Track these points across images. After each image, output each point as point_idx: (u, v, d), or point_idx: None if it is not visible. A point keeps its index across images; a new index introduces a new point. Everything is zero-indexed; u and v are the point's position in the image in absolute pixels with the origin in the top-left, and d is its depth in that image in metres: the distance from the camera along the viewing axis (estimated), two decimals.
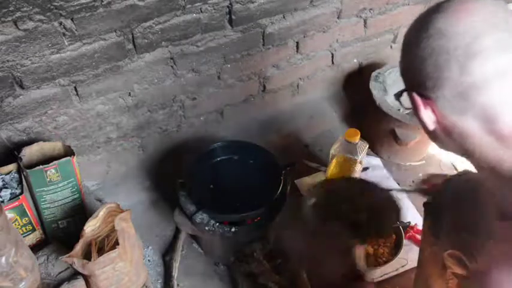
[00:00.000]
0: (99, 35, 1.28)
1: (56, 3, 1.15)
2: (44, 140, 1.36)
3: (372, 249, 1.39)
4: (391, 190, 1.37)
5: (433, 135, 0.80)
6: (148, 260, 1.44)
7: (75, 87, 1.35)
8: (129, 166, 1.64)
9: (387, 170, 1.70)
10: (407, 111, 1.76)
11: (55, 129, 1.41)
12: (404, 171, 1.71)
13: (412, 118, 1.57)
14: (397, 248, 1.40)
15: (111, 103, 1.46)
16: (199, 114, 1.68)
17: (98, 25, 1.25)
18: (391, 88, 1.69)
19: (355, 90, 1.90)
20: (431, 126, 0.77)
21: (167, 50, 1.43)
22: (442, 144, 0.81)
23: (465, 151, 0.75)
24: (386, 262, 1.36)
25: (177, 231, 1.49)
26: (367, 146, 1.43)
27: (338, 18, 1.71)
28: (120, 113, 1.50)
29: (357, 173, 1.45)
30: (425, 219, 1.07)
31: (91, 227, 1.20)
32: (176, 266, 1.41)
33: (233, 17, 1.46)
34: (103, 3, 1.21)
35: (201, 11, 1.40)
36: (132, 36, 1.33)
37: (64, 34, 1.22)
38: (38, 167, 1.27)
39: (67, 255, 1.13)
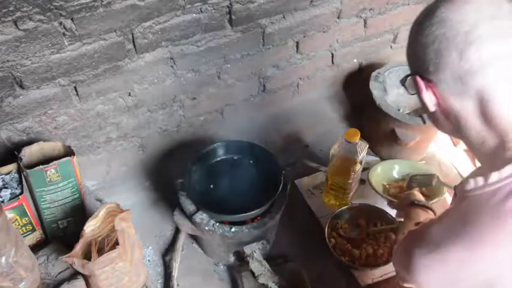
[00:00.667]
0: (99, 35, 1.28)
1: (56, 3, 1.15)
2: (44, 140, 1.36)
3: (372, 249, 1.39)
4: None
5: (433, 118, 0.85)
6: (148, 260, 1.44)
7: (75, 87, 1.35)
8: (129, 166, 1.64)
9: None
10: (408, 111, 1.77)
11: (55, 129, 1.41)
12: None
13: (412, 118, 1.58)
14: None
15: (111, 103, 1.46)
16: (199, 114, 1.68)
17: (98, 25, 1.25)
18: (391, 88, 1.69)
19: (355, 90, 1.90)
20: (432, 108, 0.82)
21: (167, 50, 1.43)
22: (441, 127, 0.86)
23: (459, 133, 0.82)
24: (386, 262, 1.36)
25: (177, 231, 1.49)
26: (367, 146, 1.43)
27: (338, 18, 1.71)
28: (120, 113, 1.50)
29: (357, 173, 1.45)
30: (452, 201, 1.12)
31: (91, 227, 1.20)
32: (176, 266, 1.41)
33: (233, 17, 1.46)
34: (103, 3, 1.21)
35: (201, 11, 1.40)
36: (132, 36, 1.33)
37: (64, 34, 1.22)
38: (38, 167, 1.27)
39: (67, 255, 1.13)
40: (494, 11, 0.73)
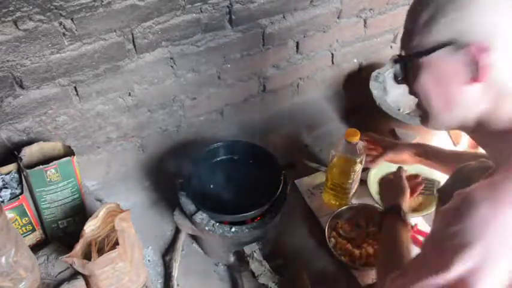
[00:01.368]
0: (99, 35, 1.28)
1: (56, 3, 1.15)
2: (44, 140, 1.36)
3: (372, 249, 1.39)
4: None
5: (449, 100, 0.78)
6: (148, 260, 1.44)
7: (75, 87, 1.35)
8: (129, 166, 1.64)
9: None
10: (408, 111, 1.77)
11: (55, 129, 1.41)
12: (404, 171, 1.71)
13: (412, 118, 1.58)
14: None
15: (111, 103, 1.46)
16: (199, 114, 1.68)
17: (98, 25, 1.25)
18: (391, 88, 1.69)
19: (355, 90, 1.90)
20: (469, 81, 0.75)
21: (167, 50, 1.43)
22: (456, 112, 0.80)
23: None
24: None
25: (177, 231, 1.49)
26: (367, 145, 1.43)
27: (338, 18, 1.71)
28: (120, 113, 1.50)
29: (357, 173, 1.45)
30: (437, 205, 1.10)
31: (91, 227, 1.20)
32: (176, 266, 1.41)
33: (233, 17, 1.46)
34: (103, 3, 1.21)
35: (201, 11, 1.40)
36: (132, 36, 1.33)
37: (64, 34, 1.22)
38: (38, 167, 1.27)
39: (67, 255, 1.13)
40: None
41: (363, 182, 1.56)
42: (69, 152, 1.34)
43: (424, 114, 0.83)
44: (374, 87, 1.64)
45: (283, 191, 1.37)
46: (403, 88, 0.86)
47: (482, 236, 0.65)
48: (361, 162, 1.42)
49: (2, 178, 1.31)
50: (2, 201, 1.26)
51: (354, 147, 1.37)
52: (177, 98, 1.58)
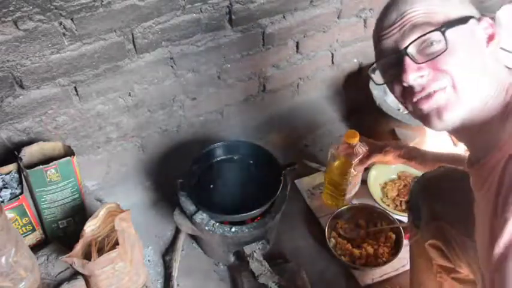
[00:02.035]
0: (99, 35, 1.28)
1: (56, 3, 1.15)
2: (44, 140, 1.36)
3: (372, 249, 1.39)
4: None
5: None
6: (148, 260, 1.44)
7: (75, 87, 1.35)
8: (129, 166, 1.64)
9: None
10: (408, 112, 1.76)
11: (55, 129, 1.41)
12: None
13: (412, 118, 1.57)
14: (397, 248, 1.40)
15: (111, 103, 1.46)
16: (199, 114, 1.68)
17: (98, 25, 1.25)
18: None
19: (355, 90, 1.90)
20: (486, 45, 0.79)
21: (167, 50, 1.43)
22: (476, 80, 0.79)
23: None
24: (386, 262, 1.36)
25: (177, 231, 1.49)
26: (367, 147, 1.43)
27: (338, 18, 1.71)
28: (120, 113, 1.50)
29: (355, 175, 1.45)
30: (408, 216, 1.13)
31: (91, 227, 1.20)
32: (176, 266, 1.41)
33: (233, 17, 1.46)
34: (103, 3, 1.21)
35: (201, 11, 1.40)
36: (132, 36, 1.33)
37: (64, 34, 1.22)
38: (38, 167, 1.27)
39: (67, 255, 1.13)
40: None
41: (363, 182, 1.56)
42: (69, 152, 1.34)
43: (445, 97, 0.77)
44: (374, 87, 1.64)
45: (283, 191, 1.37)
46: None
47: None
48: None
49: (2, 178, 1.31)
50: (2, 201, 1.26)
51: (352, 149, 1.37)
52: (177, 98, 1.58)
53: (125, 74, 1.41)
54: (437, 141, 1.59)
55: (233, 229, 1.31)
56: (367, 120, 1.73)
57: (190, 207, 1.35)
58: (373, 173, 1.56)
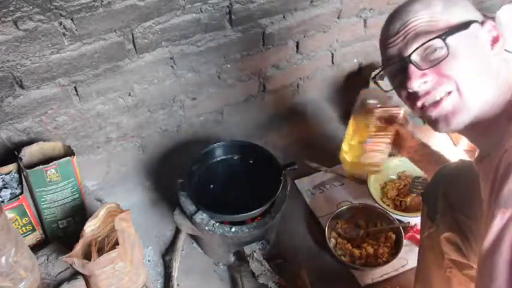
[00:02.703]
0: (99, 35, 1.28)
1: (56, 3, 1.15)
2: (44, 140, 1.36)
3: (372, 249, 1.39)
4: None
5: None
6: (148, 260, 1.44)
7: (75, 87, 1.35)
8: (129, 166, 1.64)
9: None
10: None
11: (55, 129, 1.41)
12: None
13: (412, 118, 1.57)
14: (397, 248, 1.40)
15: (111, 103, 1.46)
16: (199, 114, 1.68)
17: (98, 25, 1.25)
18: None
19: (355, 90, 1.90)
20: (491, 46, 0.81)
21: (167, 50, 1.43)
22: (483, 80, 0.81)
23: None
24: (386, 262, 1.36)
25: (177, 231, 1.49)
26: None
27: (338, 18, 1.71)
28: (120, 113, 1.50)
29: (382, 137, 1.24)
30: (422, 209, 1.12)
31: (91, 227, 1.20)
32: (176, 266, 1.41)
33: (233, 17, 1.46)
34: (103, 3, 1.21)
35: (201, 11, 1.40)
36: (132, 36, 1.33)
37: (64, 34, 1.22)
38: (38, 167, 1.27)
39: (67, 255, 1.13)
40: None
41: (363, 182, 1.56)
42: (69, 152, 1.34)
43: (452, 103, 0.79)
44: (374, 87, 1.64)
45: (283, 191, 1.37)
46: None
47: None
48: (392, 118, 1.24)
49: (2, 178, 1.31)
50: (2, 201, 1.26)
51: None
52: (177, 98, 1.58)
53: (125, 74, 1.41)
54: (438, 141, 1.59)
55: (233, 229, 1.31)
56: None
57: (190, 207, 1.35)
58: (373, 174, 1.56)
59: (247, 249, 1.35)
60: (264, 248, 1.39)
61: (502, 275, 0.64)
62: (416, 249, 1.19)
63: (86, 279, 1.19)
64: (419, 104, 0.81)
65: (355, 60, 1.91)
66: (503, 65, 0.81)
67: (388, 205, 1.50)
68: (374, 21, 1.79)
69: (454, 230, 0.99)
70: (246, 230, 1.31)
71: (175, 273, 1.39)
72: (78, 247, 1.16)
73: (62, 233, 1.41)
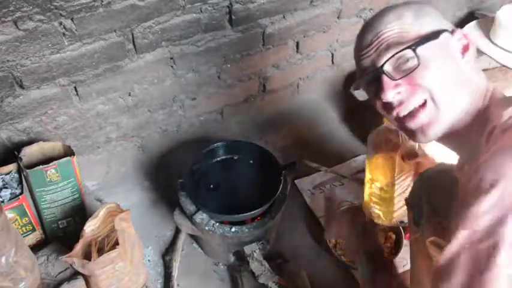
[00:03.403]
0: (99, 35, 1.28)
1: (56, 3, 1.15)
2: (44, 140, 1.36)
3: None
4: None
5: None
6: (148, 260, 1.44)
7: (75, 87, 1.35)
8: (129, 166, 1.64)
9: None
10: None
11: (55, 129, 1.41)
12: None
13: None
14: (397, 248, 1.40)
15: (111, 103, 1.46)
16: (199, 114, 1.68)
17: (98, 25, 1.25)
18: None
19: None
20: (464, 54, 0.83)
21: (167, 50, 1.43)
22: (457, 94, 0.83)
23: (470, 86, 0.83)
24: None
25: (177, 231, 1.49)
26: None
27: (338, 18, 1.71)
28: (120, 113, 1.50)
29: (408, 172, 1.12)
30: (408, 213, 1.12)
31: (91, 227, 1.20)
32: (176, 266, 1.41)
33: (233, 17, 1.46)
34: (103, 3, 1.21)
35: (201, 11, 1.40)
36: (132, 36, 1.33)
37: (64, 34, 1.22)
38: (38, 167, 1.27)
39: (67, 255, 1.13)
40: None
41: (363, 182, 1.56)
42: (69, 152, 1.34)
43: (428, 114, 0.80)
44: None
45: (283, 191, 1.37)
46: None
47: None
48: (413, 155, 1.10)
49: (2, 178, 1.31)
50: (2, 201, 1.26)
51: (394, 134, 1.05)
52: (177, 98, 1.58)
53: (125, 74, 1.41)
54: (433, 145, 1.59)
55: (233, 229, 1.31)
56: (367, 121, 1.73)
57: (190, 207, 1.35)
58: None
59: (247, 249, 1.35)
60: (264, 248, 1.39)
61: None
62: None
63: (86, 279, 1.19)
64: (394, 113, 0.83)
65: None
66: (474, 72, 0.82)
67: None
68: None
69: (439, 234, 1.00)
70: (246, 230, 1.31)
71: (175, 273, 1.39)
72: (78, 247, 1.16)
73: (62, 233, 1.41)
